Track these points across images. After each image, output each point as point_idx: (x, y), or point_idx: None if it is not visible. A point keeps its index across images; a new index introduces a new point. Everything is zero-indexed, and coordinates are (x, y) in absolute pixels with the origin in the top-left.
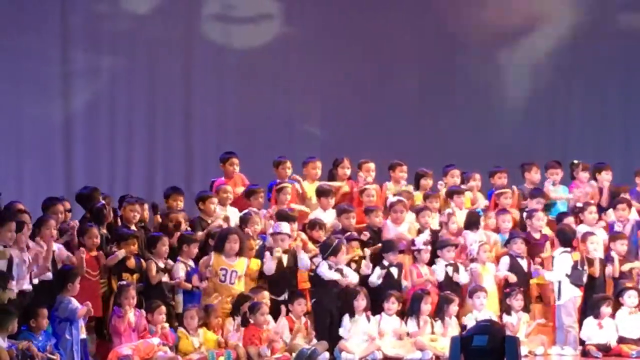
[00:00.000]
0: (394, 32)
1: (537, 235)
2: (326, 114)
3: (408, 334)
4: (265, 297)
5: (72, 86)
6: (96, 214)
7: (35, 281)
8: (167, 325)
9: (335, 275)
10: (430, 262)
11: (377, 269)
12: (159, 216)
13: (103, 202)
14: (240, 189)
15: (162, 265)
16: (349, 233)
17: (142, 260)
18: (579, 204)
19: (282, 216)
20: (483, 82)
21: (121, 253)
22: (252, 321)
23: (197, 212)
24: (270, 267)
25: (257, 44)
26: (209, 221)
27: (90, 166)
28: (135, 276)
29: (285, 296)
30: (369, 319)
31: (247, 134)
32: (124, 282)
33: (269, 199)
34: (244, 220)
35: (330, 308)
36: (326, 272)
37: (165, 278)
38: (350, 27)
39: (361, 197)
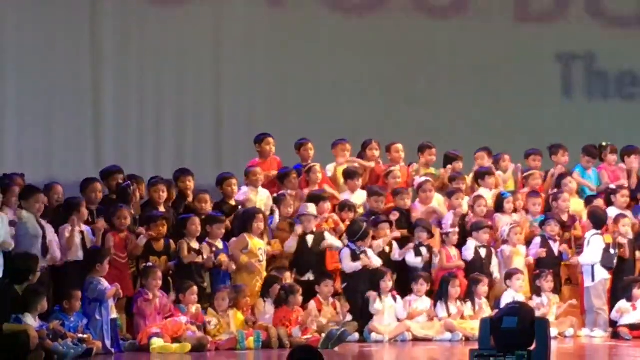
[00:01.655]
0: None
1: (564, 217)
2: (356, 95)
3: (437, 316)
4: (288, 277)
5: (102, 62)
6: (121, 193)
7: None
8: (199, 306)
9: (357, 267)
10: (459, 245)
11: (411, 250)
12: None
13: (128, 181)
14: (275, 172)
15: (195, 245)
16: (376, 216)
17: (172, 242)
18: (612, 186)
19: (314, 197)
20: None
21: (142, 240)
22: (288, 302)
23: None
24: (292, 246)
25: (288, 21)
26: (231, 203)
27: (118, 147)
28: (163, 258)
29: (309, 276)
30: (395, 299)
31: (278, 116)
32: (150, 264)
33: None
34: (277, 202)
35: (361, 290)
36: (348, 264)
37: (198, 259)
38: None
39: (386, 179)
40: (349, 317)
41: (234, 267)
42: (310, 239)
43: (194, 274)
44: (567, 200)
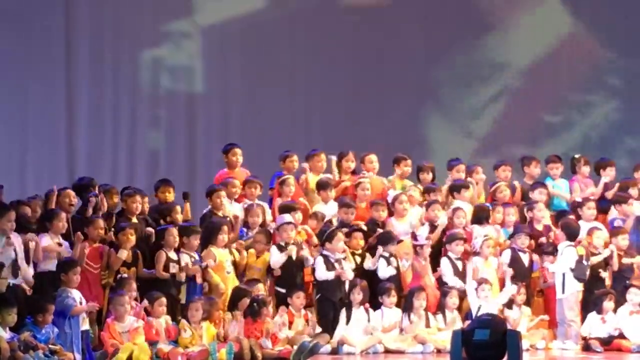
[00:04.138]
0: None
1: (539, 227)
2: (331, 106)
3: (401, 330)
4: (260, 289)
5: (76, 71)
6: (87, 203)
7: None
8: (168, 317)
9: (330, 275)
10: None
11: (382, 261)
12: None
13: (95, 192)
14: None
15: (173, 256)
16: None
17: (139, 253)
18: (578, 199)
19: (286, 208)
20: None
21: (122, 254)
22: (260, 315)
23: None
24: (279, 260)
25: (261, 34)
26: (220, 214)
27: (92, 157)
28: (132, 270)
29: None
30: (367, 312)
31: (251, 126)
32: (125, 275)
33: (271, 188)
34: (246, 212)
35: (334, 301)
36: (322, 273)
37: (175, 269)
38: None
39: (356, 190)
40: (319, 329)
41: (199, 280)
42: (292, 250)
43: (170, 285)
44: (542, 210)
